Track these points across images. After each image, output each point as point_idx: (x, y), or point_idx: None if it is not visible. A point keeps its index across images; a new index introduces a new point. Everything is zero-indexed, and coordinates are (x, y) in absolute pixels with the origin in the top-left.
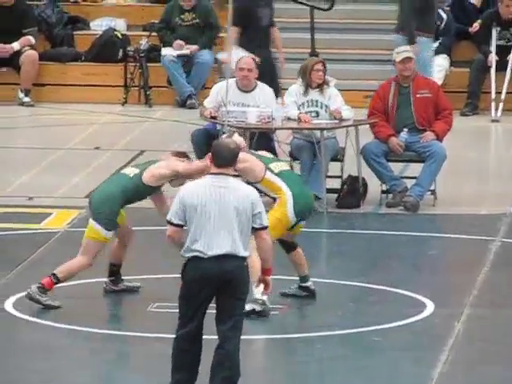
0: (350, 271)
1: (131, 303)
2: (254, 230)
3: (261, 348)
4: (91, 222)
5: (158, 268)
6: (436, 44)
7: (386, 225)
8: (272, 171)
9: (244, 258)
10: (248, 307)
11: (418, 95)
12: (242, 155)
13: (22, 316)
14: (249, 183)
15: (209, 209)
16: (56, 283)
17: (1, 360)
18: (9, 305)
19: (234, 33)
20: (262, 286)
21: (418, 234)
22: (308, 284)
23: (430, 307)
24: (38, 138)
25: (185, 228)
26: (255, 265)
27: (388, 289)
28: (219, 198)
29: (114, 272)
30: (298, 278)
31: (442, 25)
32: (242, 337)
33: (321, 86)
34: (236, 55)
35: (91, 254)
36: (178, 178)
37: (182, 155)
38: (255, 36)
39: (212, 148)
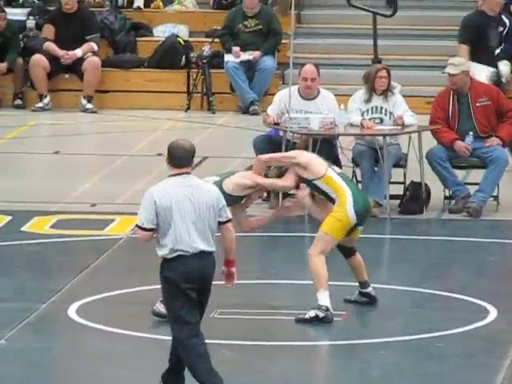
0: (413, 277)
1: None
2: (220, 223)
3: (324, 354)
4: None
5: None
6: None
7: (449, 231)
8: (334, 170)
9: (213, 253)
10: (311, 314)
11: (477, 104)
12: (302, 152)
13: (84, 322)
14: (307, 181)
15: (184, 208)
16: None
17: (66, 367)
18: (72, 311)
19: (464, 51)
20: (322, 291)
21: (480, 239)
22: (368, 290)
23: (493, 313)
24: (100, 145)
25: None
26: (321, 272)
27: (450, 295)
28: (191, 197)
29: None
30: (357, 284)
31: (505, 30)
32: (308, 343)
33: (385, 93)
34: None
35: None
36: (257, 191)
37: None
38: (482, 55)
39: (168, 150)
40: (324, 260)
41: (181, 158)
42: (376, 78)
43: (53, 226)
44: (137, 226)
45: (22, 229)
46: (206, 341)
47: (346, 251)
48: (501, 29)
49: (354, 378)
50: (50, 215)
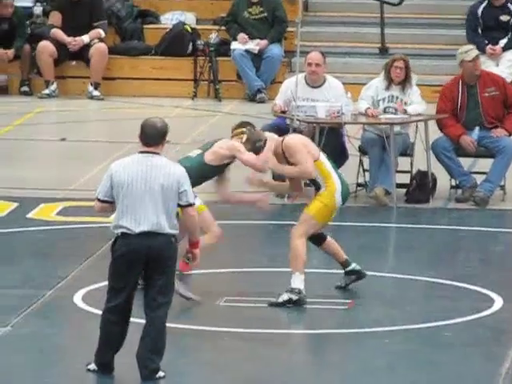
0: (419, 266)
1: (201, 297)
2: (181, 207)
3: (329, 342)
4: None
5: (228, 262)
6: (505, 39)
7: (455, 220)
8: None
9: (171, 235)
10: (284, 297)
11: (485, 94)
12: (295, 136)
13: (90, 309)
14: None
15: (136, 186)
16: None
17: (71, 354)
18: (78, 298)
19: None
20: (298, 274)
21: (486, 229)
22: (352, 266)
23: (499, 302)
24: (107, 132)
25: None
26: (300, 254)
27: (456, 284)
28: (146, 176)
29: None
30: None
31: None
32: (313, 331)
33: (403, 84)
34: None
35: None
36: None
37: (246, 125)
38: None
39: (140, 126)
40: (305, 243)
41: (148, 136)
42: (392, 68)
43: (59, 213)
44: (95, 196)
45: (28, 216)
46: (211, 328)
47: (317, 239)
48: (508, 17)
49: (359, 366)
50: (56, 202)
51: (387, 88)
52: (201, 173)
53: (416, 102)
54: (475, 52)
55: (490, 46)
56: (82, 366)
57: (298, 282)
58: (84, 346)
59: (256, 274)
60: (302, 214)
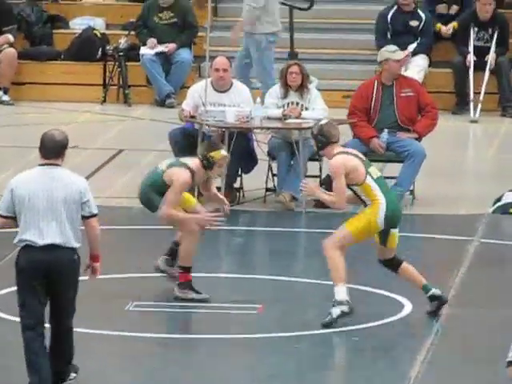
0: (327, 270)
1: (109, 302)
2: (84, 218)
3: (240, 347)
4: (162, 207)
5: (140, 266)
6: (414, 44)
7: None
8: (372, 177)
9: (74, 250)
10: (337, 312)
11: (401, 94)
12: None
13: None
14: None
15: (38, 199)
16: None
17: None
18: None
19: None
20: (340, 285)
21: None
22: (432, 292)
23: (408, 307)
24: (16, 137)
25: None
26: (339, 266)
27: (365, 289)
28: (47, 188)
29: (174, 252)
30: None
31: (421, 25)
32: (224, 336)
33: (300, 89)
34: None
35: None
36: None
37: (215, 148)
38: None
39: (40, 140)
40: (342, 255)
41: (48, 149)
42: (288, 74)
43: None
44: None
45: None
46: (122, 333)
47: (393, 264)
48: (417, 23)
49: (270, 371)
50: None
51: (285, 95)
52: (165, 189)
53: (318, 108)
54: (403, 53)
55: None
56: None
57: (341, 293)
58: None
59: (164, 279)
60: (340, 227)
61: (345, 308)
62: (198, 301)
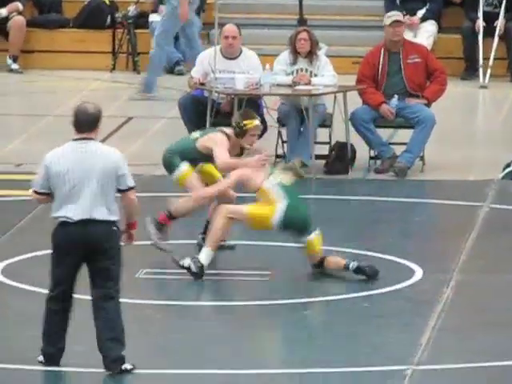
0: (339, 237)
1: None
2: (120, 191)
3: (249, 314)
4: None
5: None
6: (423, 10)
7: (374, 191)
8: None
9: (112, 222)
10: (186, 262)
11: (408, 61)
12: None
13: (10, 283)
14: None
15: (73, 175)
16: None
17: None
18: None
19: None
20: (209, 250)
21: (406, 200)
22: (352, 264)
23: (419, 273)
24: (26, 105)
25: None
26: (218, 235)
27: (376, 255)
28: (82, 163)
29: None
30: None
31: None
32: (228, 303)
33: (310, 56)
34: None
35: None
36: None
37: (249, 117)
38: None
39: (73, 113)
40: (228, 224)
41: (81, 122)
42: (297, 41)
43: None
44: (32, 189)
45: None
46: (131, 300)
47: (318, 265)
48: None
49: (279, 338)
50: None
51: (294, 61)
52: (194, 156)
53: (328, 75)
54: (395, 18)
55: (407, 16)
56: (4, 339)
57: (204, 257)
58: (3, 318)
59: (174, 246)
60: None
61: (194, 268)
62: (158, 248)
